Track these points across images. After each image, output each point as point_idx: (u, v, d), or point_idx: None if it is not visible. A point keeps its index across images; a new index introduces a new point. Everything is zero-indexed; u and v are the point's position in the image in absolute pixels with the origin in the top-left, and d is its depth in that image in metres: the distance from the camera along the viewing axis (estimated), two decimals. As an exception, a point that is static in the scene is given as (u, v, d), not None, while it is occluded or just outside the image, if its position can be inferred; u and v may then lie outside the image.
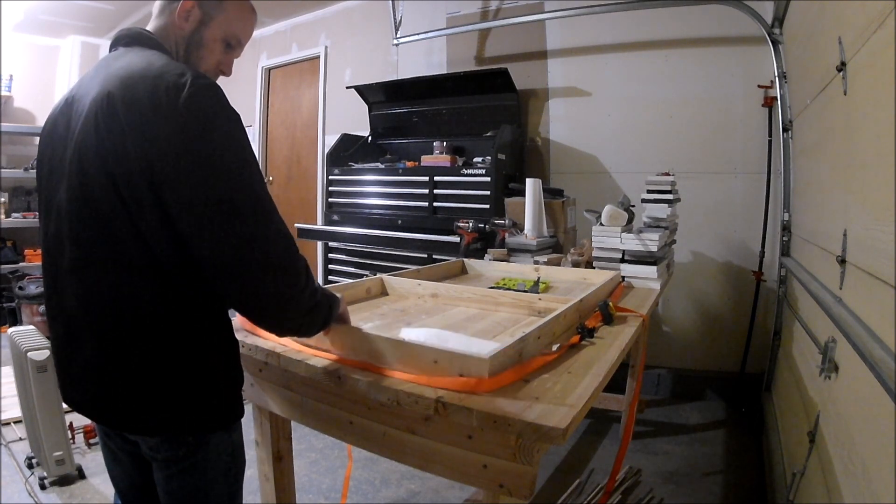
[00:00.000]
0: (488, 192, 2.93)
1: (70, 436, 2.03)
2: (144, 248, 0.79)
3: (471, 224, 2.50)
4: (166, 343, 0.82)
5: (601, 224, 2.07)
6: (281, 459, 1.25)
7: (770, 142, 2.76)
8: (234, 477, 0.96)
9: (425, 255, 3.08)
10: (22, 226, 4.38)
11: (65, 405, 1.03)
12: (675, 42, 3.01)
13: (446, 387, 0.85)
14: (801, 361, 1.82)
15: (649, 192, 2.19)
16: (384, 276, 1.70)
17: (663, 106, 3.06)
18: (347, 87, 3.87)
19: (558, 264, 2.12)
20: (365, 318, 1.36)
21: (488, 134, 3.34)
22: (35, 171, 0.95)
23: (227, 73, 0.98)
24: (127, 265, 0.80)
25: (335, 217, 3.59)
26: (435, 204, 3.14)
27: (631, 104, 3.15)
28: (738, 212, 2.93)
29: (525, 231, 2.31)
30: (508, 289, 1.66)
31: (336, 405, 1.01)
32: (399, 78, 3.92)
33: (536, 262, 2.10)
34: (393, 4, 3.77)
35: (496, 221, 2.39)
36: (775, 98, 2.66)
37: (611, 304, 1.37)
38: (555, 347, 1.06)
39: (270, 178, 5.01)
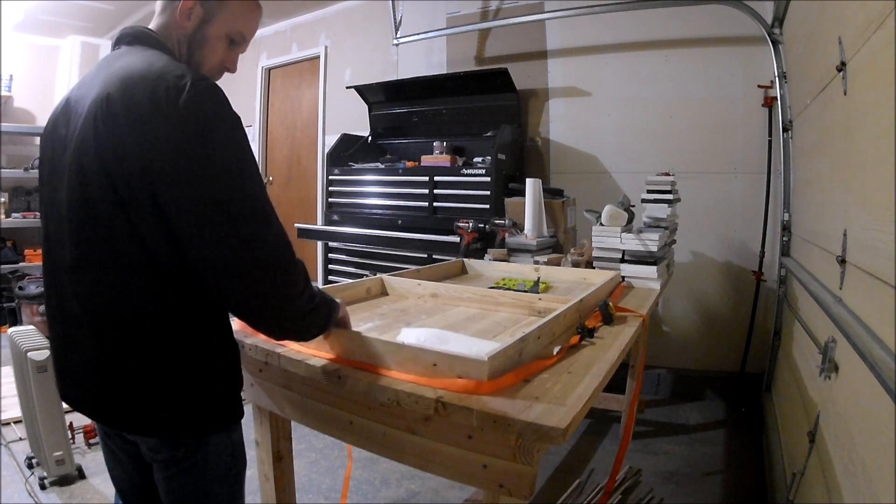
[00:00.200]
0: (488, 192, 2.93)
1: (70, 436, 2.03)
2: (144, 248, 0.78)
3: (471, 224, 2.50)
4: (166, 343, 0.82)
5: (601, 224, 2.07)
6: (281, 459, 1.25)
7: (770, 142, 2.76)
8: (235, 477, 0.96)
9: (425, 255, 3.07)
10: (22, 226, 4.37)
11: (65, 405, 1.03)
12: (675, 42, 3.01)
13: (446, 389, 0.85)
14: (801, 361, 1.82)
15: (649, 192, 2.19)
16: (384, 276, 1.70)
17: (663, 106, 3.06)
18: (347, 87, 3.87)
19: (558, 264, 2.12)
20: (365, 318, 1.36)
21: (488, 134, 3.34)
22: (37, 171, 0.95)
23: (232, 69, 0.97)
24: (126, 265, 0.79)
25: (335, 217, 3.59)
26: (435, 204, 3.14)
27: (631, 104, 3.15)
28: (737, 212, 2.93)
29: (525, 231, 2.31)
30: (508, 289, 1.66)
31: (336, 405, 1.00)
32: (399, 78, 3.91)
33: (536, 262, 2.10)
34: (393, 4, 3.77)
35: (496, 221, 2.39)
36: (775, 98, 2.66)
37: (611, 304, 1.37)
38: (555, 350, 1.06)
39: (270, 178, 5.00)
